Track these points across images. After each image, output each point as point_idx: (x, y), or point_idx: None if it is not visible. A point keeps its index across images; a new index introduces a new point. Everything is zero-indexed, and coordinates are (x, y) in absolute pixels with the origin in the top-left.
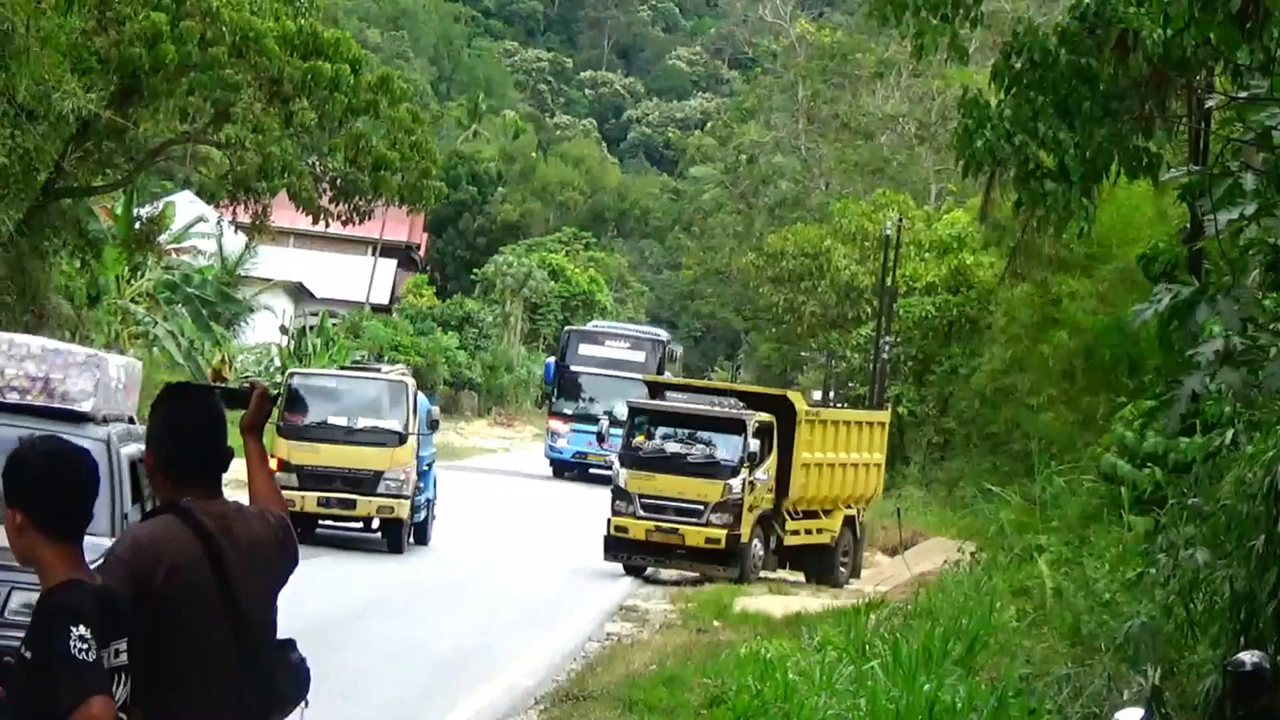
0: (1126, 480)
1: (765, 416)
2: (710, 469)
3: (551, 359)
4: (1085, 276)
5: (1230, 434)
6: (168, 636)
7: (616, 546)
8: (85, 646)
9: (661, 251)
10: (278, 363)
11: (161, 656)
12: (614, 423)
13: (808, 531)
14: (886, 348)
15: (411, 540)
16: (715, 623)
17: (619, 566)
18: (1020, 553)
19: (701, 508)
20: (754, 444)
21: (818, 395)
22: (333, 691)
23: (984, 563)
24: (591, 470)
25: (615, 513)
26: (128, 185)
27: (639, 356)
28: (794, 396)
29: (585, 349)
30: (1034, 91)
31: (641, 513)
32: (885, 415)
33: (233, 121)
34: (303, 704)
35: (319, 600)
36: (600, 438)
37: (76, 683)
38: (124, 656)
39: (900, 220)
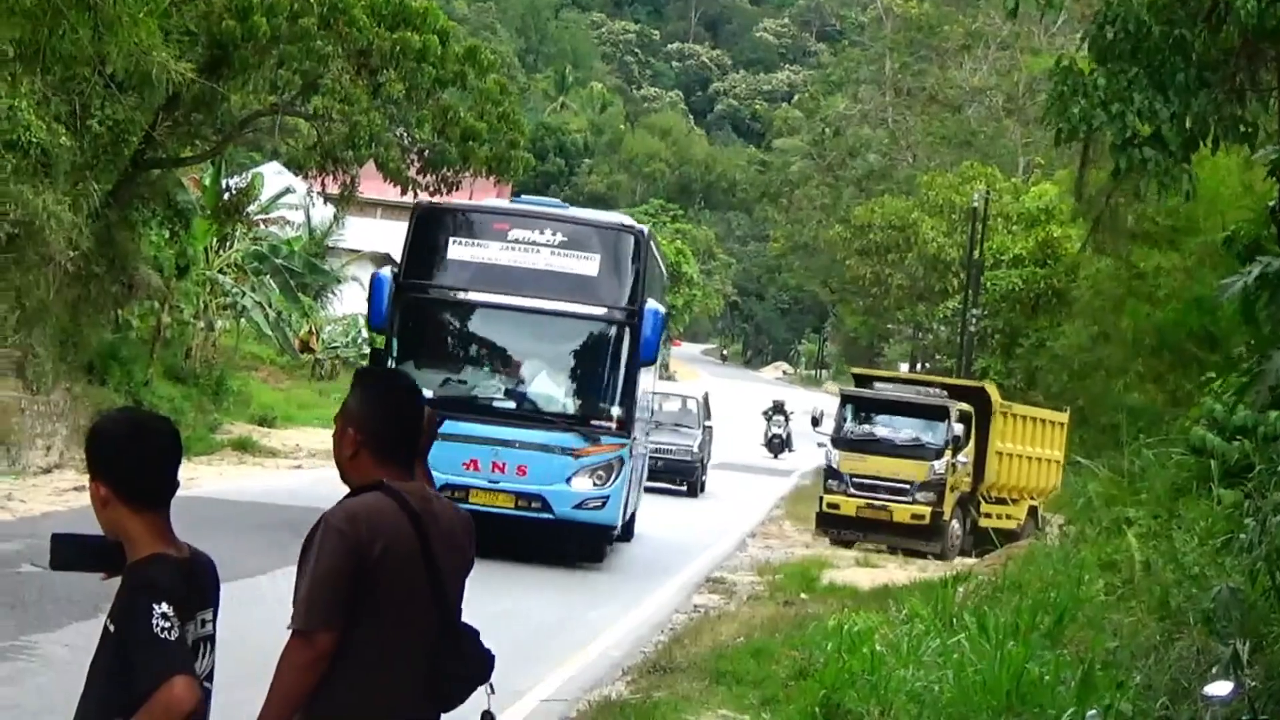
0: (1216, 453)
1: (965, 406)
2: (917, 451)
3: (387, 272)
4: (1173, 250)
5: None
6: (376, 612)
7: (828, 521)
8: (168, 625)
9: (748, 223)
10: (364, 334)
11: (367, 632)
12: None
13: (999, 516)
14: (973, 321)
15: None
16: (802, 595)
17: (704, 539)
18: (1108, 525)
19: (908, 486)
20: (957, 429)
21: (905, 368)
22: None
23: (1072, 535)
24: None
25: (827, 490)
26: (216, 156)
27: (585, 266)
28: (990, 389)
29: (464, 248)
30: (1127, 62)
31: (852, 490)
32: (1064, 416)
33: (321, 93)
34: (487, 687)
35: None
36: (815, 421)
37: (158, 663)
38: (209, 626)
39: (988, 193)
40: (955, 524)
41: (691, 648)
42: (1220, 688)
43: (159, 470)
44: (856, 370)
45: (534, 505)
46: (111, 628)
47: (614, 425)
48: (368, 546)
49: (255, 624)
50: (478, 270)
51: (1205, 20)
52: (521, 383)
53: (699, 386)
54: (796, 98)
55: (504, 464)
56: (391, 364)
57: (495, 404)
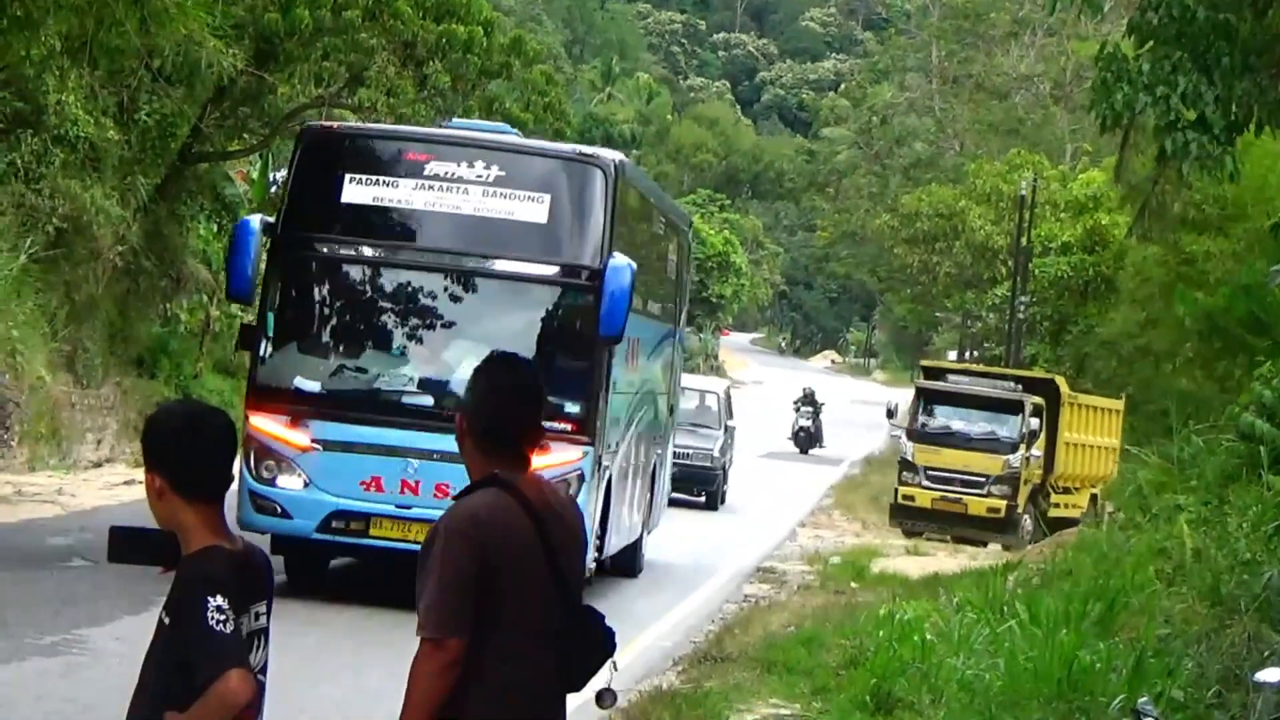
0: (1266, 439)
1: (1038, 399)
2: (992, 445)
3: (256, 221)
4: (1221, 236)
5: None
6: (503, 610)
7: (902, 513)
8: (223, 618)
9: (796, 213)
10: None
11: (496, 631)
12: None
13: (1064, 506)
14: (1022, 308)
15: None
16: (852, 584)
17: (753, 531)
18: (1159, 512)
19: (984, 480)
20: (1033, 423)
21: (953, 356)
22: None
23: (1122, 522)
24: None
25: (902, 483)
26: (263, 149)
27: (532, 210)
28: (1059, 380)
29: (366, 188)
30: (1172, 46)
31: (927, 483)
32: (1120, 404)
33: (366, 85)
34: (611, 665)
35: None
36: (890, 413)
37: (214, 656)
38: (263, 619)
39: (1035, 180)
40: (1027, 515)
41: (742, 637)
42: (1272, 674)
43: (214, 462)
44: (926, 363)
45: None
46: (167, 620)
47: (569, 427)
48: (491, 548)
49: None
50: (385, 217)
51: (1251, 4)
52: (443, 371)
53: (750, 376)
54: (843, 86)
55: (418, 482)
56: (265, 346)
57: (407, 400)
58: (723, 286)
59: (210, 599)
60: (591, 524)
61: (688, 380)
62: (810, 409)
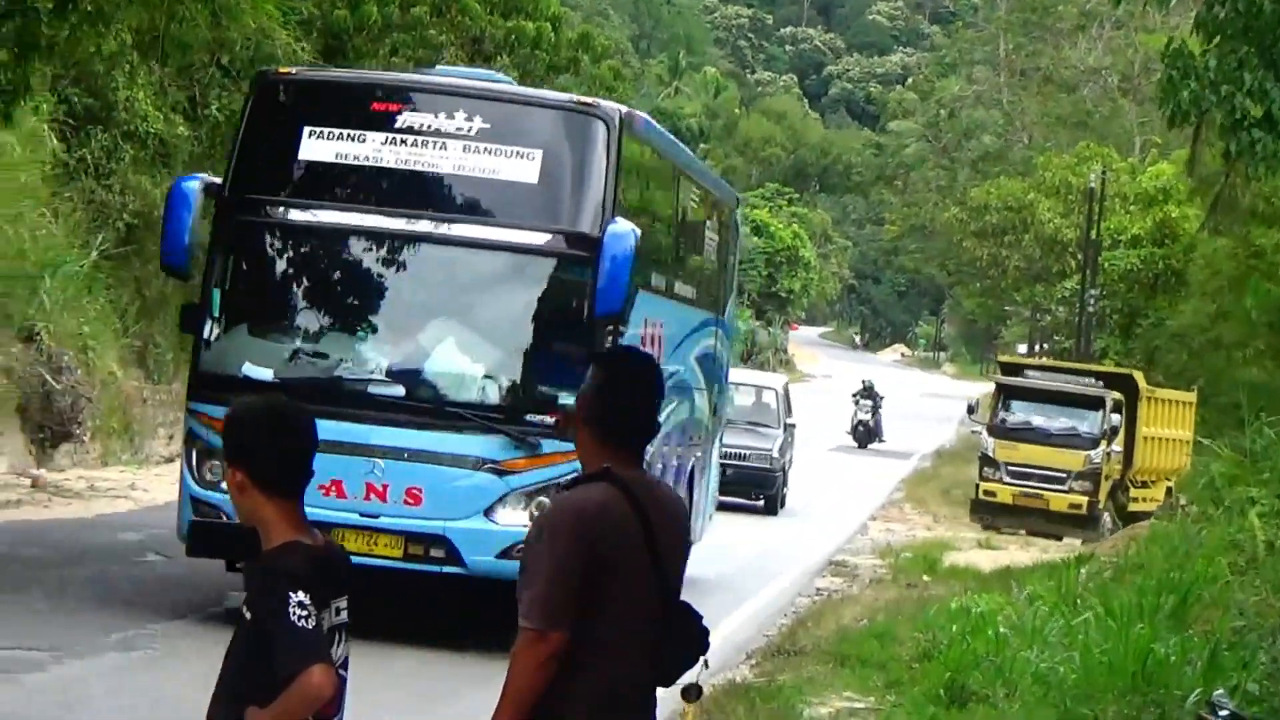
0: None
1: (1118, 395)
2: (1073, 440)
3: (195, 183)
4: None
5: None
6: (606, 604)
7: (983, 509)
8: (305, 613)
9: (864, 207)
10: None
11: (595, 622)
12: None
13: (1142, 500)
14: (1092, 301)
15: None
16: (924, 577)
17: (822, 525)
18: (1230, 505)
19: (1065, 475)
20: (1114, 419)
21: (1022, 349)
22: None
23: (1194, 515)
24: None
25: (983, 478)
26: None
27: (520, 169)
28: (1137, 376)
29: (327, 143)
30: (1238, 41)
31: (1007, 479)
32: (1193, 396)
33: None
34: (702, 663)
35: None
36: (971, 409)
37: (296, 651)
38: (344, 614)
39: (1104, 173)
40: (1107, 511)
41: (815, 631)
42: None
43: (295, 458)
44: (1004, 359)
45: (433, 553)
46: (248, 615)
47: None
48: (598, 542)
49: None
50: (349, 176)
51: None
52: (416, 356)
53: (820, 370)
54: (911, 80)
55: (385, 486)
56: (211, 327)
57: (374, 390)
58: (791, 281)
59: (292, 594)
60: None
61: (744, 376)
62: (869, 402)
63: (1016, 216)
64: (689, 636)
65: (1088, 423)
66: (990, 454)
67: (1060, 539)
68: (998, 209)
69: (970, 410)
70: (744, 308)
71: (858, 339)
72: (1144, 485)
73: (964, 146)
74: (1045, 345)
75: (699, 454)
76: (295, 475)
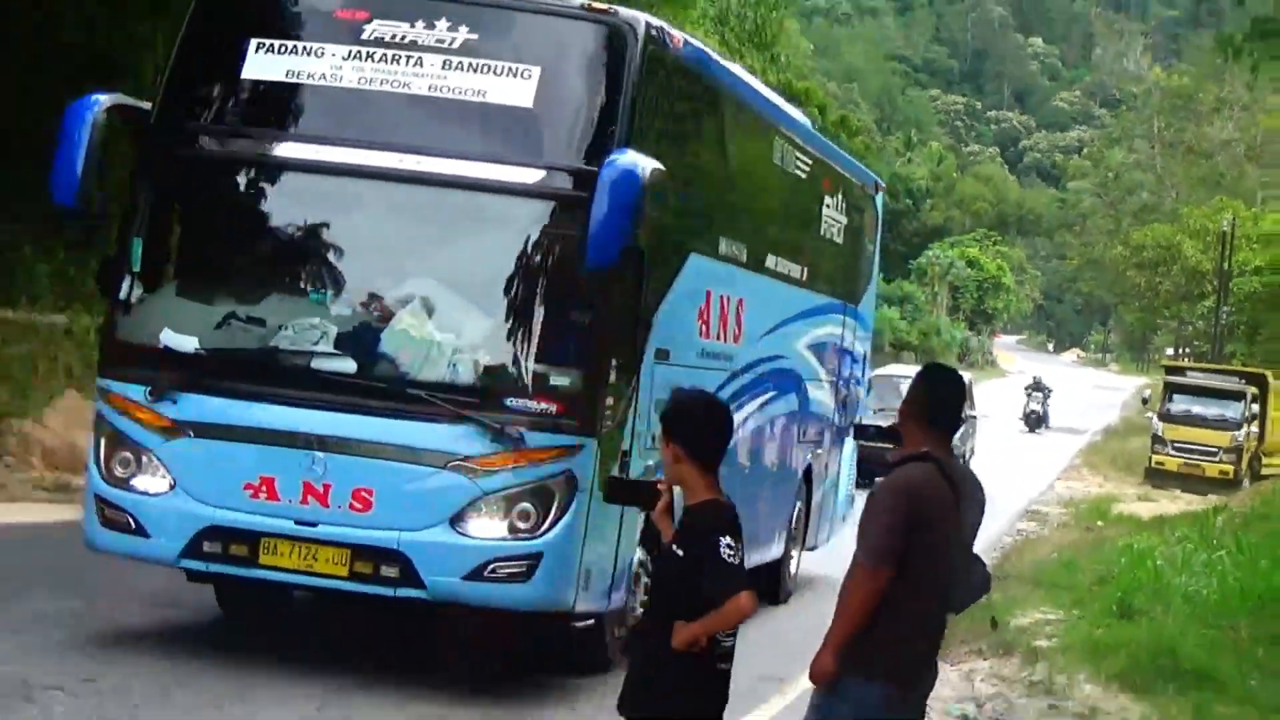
0: None
1: (1254, 389)
2: (1222, 424)
3: (104, 99)
4: None
5: None
6: (921, 556)
7: (1156, 476)
8: (732, 552)
9: (1050, 246)
10: None
11: (911, 567)
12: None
13: (1271, 466)
14: (1224, 316)
15: None
16: (1099, 523)
17: (1022, 483)
18: None
19: (1216, 450)
20: (1254, 408)
21: (1170, 352)
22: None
23: None
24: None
25: (1154, 452)
26: None
27: (512, 90)
28: (1269, 373)
29: (277, 60)
30: None
31: (1173, 452)
32: None
33: None
34: (986, 597)
35: None
36: (1144, 400)
37: (730, 581)
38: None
39: (1234, 220)
40: (1246, 478)
41: (1017, 562)
42: None
43: (721, 439)
44: (1166, 362)
45: (384, 571)
46: (680, 553)
47: (554, 408)
48: (921, 506)
49: None
50: (301, 99)
51: None
52: (373, 322)
53: (1017, 368)
54: (1085, 151)
55: (328, 486)
56: (129, 286)
57: (316, 365)
58: (995, 301)
59: (721, 538)
60: (577, 551)
61: (904, 369)
62: (1040, 394)
63: (1166, 253)
64: (976, 578)
65: (1233, 410)
66: (1160, 434)
67: (1204, 495)
68: (1152, 247)
69: (1144, 402)
70: (958, 320)
71: (1050, 345)
72: (1271, 454)
73: (1126, 201)
74: (1188, 350)
75: (818, 451)
76: (718, 453)
